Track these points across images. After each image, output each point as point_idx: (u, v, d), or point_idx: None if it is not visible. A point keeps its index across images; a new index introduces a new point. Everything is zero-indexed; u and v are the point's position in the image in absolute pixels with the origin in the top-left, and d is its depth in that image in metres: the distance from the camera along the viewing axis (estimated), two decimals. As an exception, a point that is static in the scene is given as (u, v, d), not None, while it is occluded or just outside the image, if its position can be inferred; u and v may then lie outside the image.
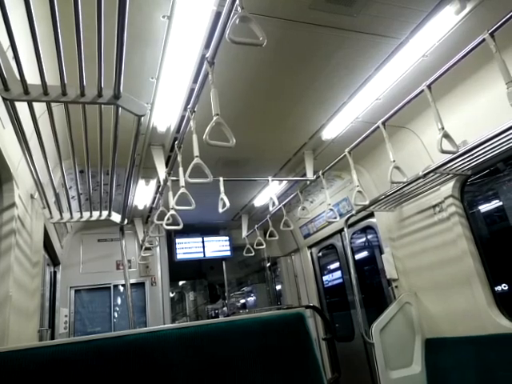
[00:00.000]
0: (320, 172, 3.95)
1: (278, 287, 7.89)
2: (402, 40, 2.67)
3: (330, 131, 3.88)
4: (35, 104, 1.79)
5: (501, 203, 3.90)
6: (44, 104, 1.79)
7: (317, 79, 3.04)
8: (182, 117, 3.18)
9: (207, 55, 2.08)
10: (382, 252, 4.61)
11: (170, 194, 3.30)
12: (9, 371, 1.35)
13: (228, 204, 2.89)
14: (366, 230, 5.34)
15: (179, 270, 7.53)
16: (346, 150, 3.41)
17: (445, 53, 2.69)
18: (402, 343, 3.80)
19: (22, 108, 1.80)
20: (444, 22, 2.51)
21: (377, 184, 4.51)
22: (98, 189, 3.03)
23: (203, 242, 6.98)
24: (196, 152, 2.36)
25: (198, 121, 2.48)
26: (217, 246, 7.10)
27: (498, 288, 3.48)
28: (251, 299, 9.31)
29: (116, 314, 5.86)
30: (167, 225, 3.38)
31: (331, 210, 3.89)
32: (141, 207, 5.44)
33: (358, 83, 3.13)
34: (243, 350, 1.72)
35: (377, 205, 4.02)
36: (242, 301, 10.35)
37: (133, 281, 5.87)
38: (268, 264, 7.71)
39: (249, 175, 4.39)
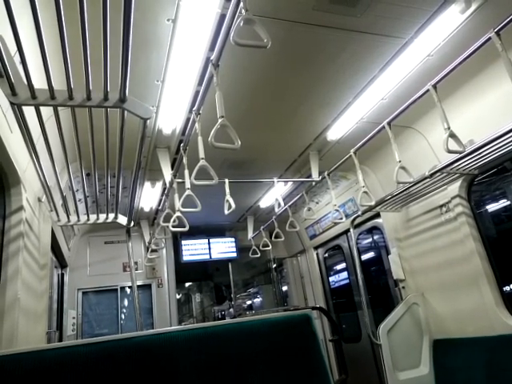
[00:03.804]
0: (325, 173, 3.95)
1: (285, 288, 7.88)
2: (406, 40, 2.66)
3: (335, 132, 3.87)
4: (42, 108, 1.81)
5: (508, 202, 3.88)
6: (51, 108, 1.80)
7: (321, 80, 3.04)
8: (188, 119, 3.19)
9: (212, 58, 2.09)
10: (388, 252, 4.59)
11: (176, 195, 3.32)
12: (18, 373, 1.36)
13: (233, 205, 2.89)
14: (372, 230, 5.31)
15: (185, 271, 7.54)
16: (352, 151, 3.41)
17: (450, 52, 2.68)
18: (410, 344, 3.78)
19: (29, 112, 1.82)
20: (449, 21, 2.50)
21: (383, 184, 4.49)
22: (104, 191, 3.05)
23: (209, 243, 6.99)
24: (201, 154, 2.37)
25: (203, 123, 2.49)
26: (223, 248, 7.10)
27: (507, 288, 3.45)
28: (257, 300, 9.31)
29: (123, 316, 5.89)
30: (173, 227, 3.39)
31: (337, 210, 3.88)
32: (147, 209, 5.46)
33: (363, 83, 3.12)
34: (250, 352, 1.72)
35: (383, 205, 4.01)
36: (249, 302, 10.35)
37: (139, 283, 5.89)
38: (274, 265, 7.70)
39: (254, 176, 4.40)
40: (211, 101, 2.08)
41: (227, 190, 3.37)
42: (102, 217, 3.43)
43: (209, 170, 2.37)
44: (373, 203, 3.49)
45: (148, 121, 1.86)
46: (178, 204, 3.11)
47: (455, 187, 3.54)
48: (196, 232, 6.79)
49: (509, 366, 3.03)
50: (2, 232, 2.34)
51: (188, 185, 2.81)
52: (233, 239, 7.22)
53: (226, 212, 2.94)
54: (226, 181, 3.54)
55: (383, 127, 3.01)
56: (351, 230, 4.40)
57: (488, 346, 3.26)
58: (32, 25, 1.32)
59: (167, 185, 3.73)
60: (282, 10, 2.29)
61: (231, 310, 9.47)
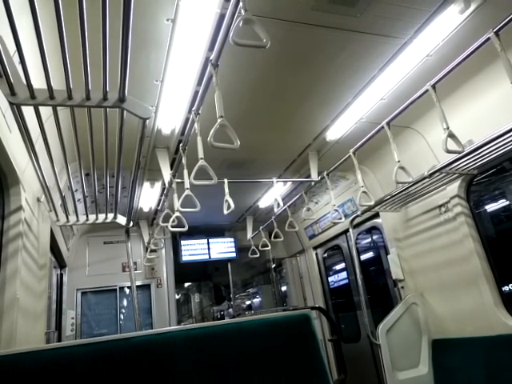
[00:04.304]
0: (325, 173, 3.95)
1: (284, 288, 7.88)
2: (405, 40, 2.66)
3: (335, 132, 3.87)
4: (41, 108, 1.81)
5: (507, 202, 3.88)
6: (50, 108, 1.80)
7: (321, 80, 3.04)
8: (187, 119, 3.18)
9: (211, 57, 2.09)
10: (387, 252, 4.59)
11: (175, 196, 3.31)
12: (17, 373, 1.36)
13: (233, 205, 2.89)
14: (371, 230, 5.32)
15: (185, 271, 7.55)
16: (351, 151, 3.41)
17: (449, 52, 2.68)
18: (409, 344, 3.78)
19: (28, 112, 1.82)
20: (448, 22, 2.50)
21: (382, 184, 4.49)
22: (103, 191, 3.04)
23: (208, 243, 6.99)
24: (201, 154, 2.37)
25: (203, 123, 2.49)
26: (222, 248, 7.11)
27: (506, 288, 3.45)
28: (257, 300, 9.31)
29: (122, 316, 5.88)
30: (172, 227, 3.38)
31: (336, 210, 3.88)
32: (146, 209, 5.46)
33: (362, 83, 3.12)
34: (249, 352, 1.72)
35: (382, 205, 4.01)
36: (248, 302, 10.35)
37: (138, 283, 5.89)
38: (273, 265, 7.70)
39: (253, 176, 4.40)
40: (210, 101, 2.08)
41: (226, 190, 3.36)
42: (101, 217, 3.43)
43: (208, 170, 2.37)
44: (372, 203, 3.49)
45: (147, 121, 1.86)
46: (177, 204, 3.11)
47: (454, 187, 3.54)
48: (195, 232, 6.79)
49: (508, 366, 3.03)
50: (1, 232, 2.34)
51: (187, 185, 2.81)
52: (232, 239, 7.22)
53: (226, 212, 2.94)
54: (226, 181, 3.53)
55: (382, 127, 3.01)
56: (350, 230, 4.40)
57: (487, 345, 3.26)
58: (31, 24, 1.32)
59: (166, 185, 3.73)
60: (281, 10, 2.29)
61: (230, 310, 9.46)
